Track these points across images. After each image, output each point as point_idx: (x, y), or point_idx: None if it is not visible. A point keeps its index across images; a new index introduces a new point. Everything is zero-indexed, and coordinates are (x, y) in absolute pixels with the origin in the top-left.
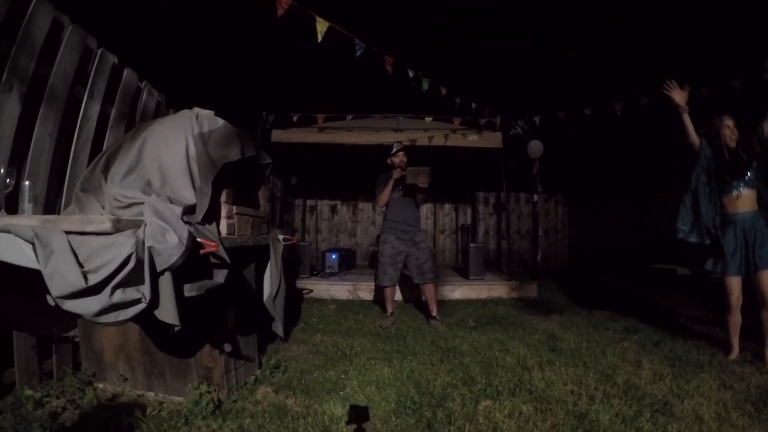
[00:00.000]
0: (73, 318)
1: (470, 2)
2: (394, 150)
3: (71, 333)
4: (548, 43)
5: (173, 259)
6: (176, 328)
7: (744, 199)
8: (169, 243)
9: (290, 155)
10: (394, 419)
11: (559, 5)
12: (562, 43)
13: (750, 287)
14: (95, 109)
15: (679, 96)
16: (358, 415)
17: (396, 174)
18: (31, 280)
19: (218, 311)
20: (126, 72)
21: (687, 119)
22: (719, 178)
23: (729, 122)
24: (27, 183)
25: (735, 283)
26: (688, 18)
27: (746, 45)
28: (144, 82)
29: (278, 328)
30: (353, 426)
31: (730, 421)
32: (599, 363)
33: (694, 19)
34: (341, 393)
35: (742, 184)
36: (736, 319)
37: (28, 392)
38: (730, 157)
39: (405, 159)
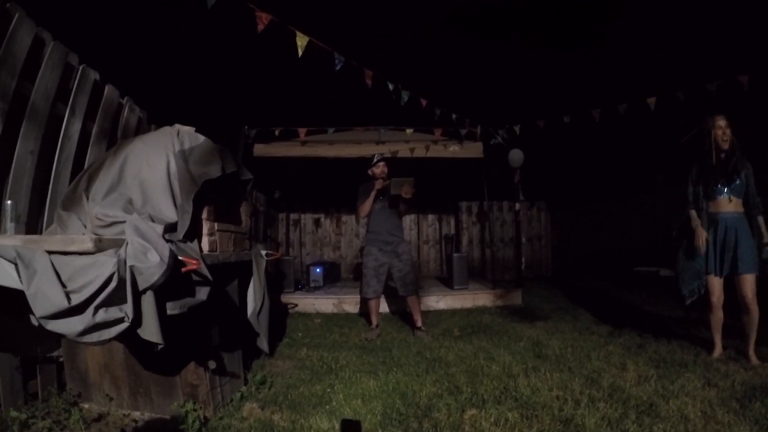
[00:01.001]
0: (57, 338)
1: (447, 8)
2: (375, 160)
3: (55, 353)
4: (527, 50)
5: (155, 278)
6: (159, 347)
7: (731, 203)
8: (150, 262)
9: (273, 169)
10: (380, 431)
11: (536, 9)
12: (540, 49)
13: (732, 286)
14: (77, 126)
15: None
16: (350, 429)
17: (378, 185)
18: (15, 300)
19: (202, 328)
20: (107, 88)
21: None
22: (707, 180)
23: (721, 122)
24: (9, 202)
25: (716, 282)
26: (669, 22)
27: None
28: (125, 98)
29: (263, 343)
30: None
31: (716, 418)
32: (584, 367)
33: (677, 23)
34: (327, 407)
35: (728, 190)
36: (718, 317)
37: (14, 414)
38: (719, 158)
39: (386, 169)
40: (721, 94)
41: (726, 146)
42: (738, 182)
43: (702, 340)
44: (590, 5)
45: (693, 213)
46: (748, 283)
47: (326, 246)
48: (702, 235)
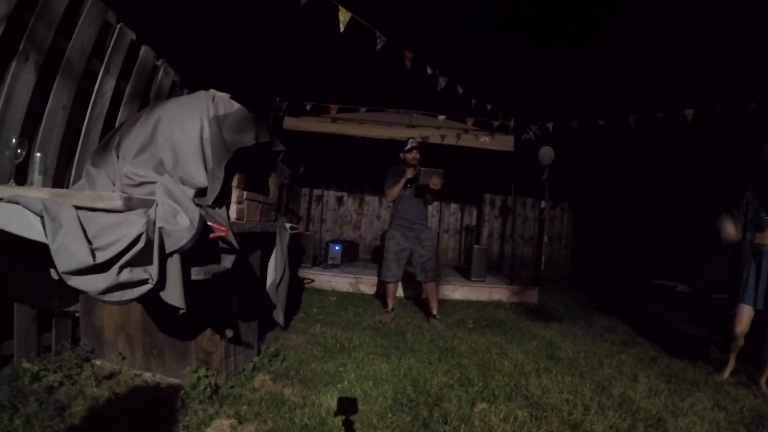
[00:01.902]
0: (75, 293)
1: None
2: (409, 146)
3: (72, 308)
4: (568, 48)
5: (183, 242)
6: (181, 311)
7: None
8: (179, 225)
9: (300, 143)
10: (390, 416)
11: (582, 8)
12: (582, 48)
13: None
14: (110, 84)
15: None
16: (348, 406)
17: (409, 173)
18: (36, 252)
19: (222, 296)
20: (143, 49)
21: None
22: (758, 209)
23: None
24: (38, 155)
25: (746, 313)
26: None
27: None
28: (160, 61)
29: (279, 316)
30: (343, 417)
31: None
32: (596, 374)
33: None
34: (338, 386)
35: None
36: (738, 344)
37: (26, 365)
38: None
39: (418, 156)
40: (761, 113)
41: None
42: None
43: (714, 361)
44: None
45: (729, 219)
46: None
47: (347, 224)
48: (728, 230)
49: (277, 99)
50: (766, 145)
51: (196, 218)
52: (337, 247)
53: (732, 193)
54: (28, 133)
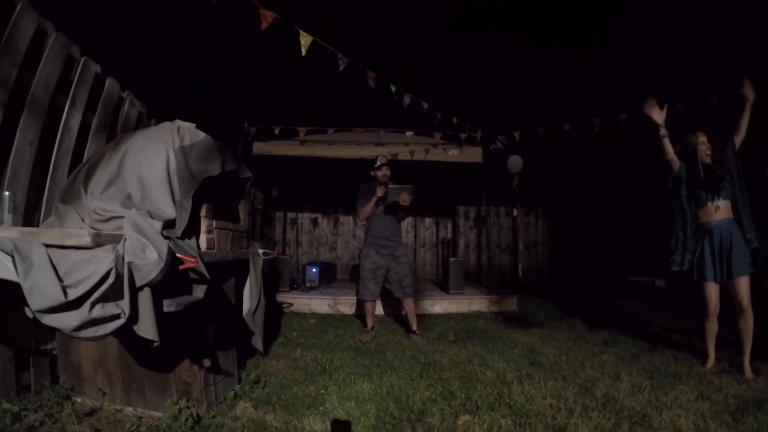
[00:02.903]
0: (51, 331)
1: (449, 10)
2: (378, 163)
3: (49, 346)
4: (528, 55)
5: (152, 275)
6: (155, 344)
7: (720, 210)
8: (148, 258)
9: (272, 167)
10: None
11: (542, 10)
12: (542, 55)
13: (726, 296)
14: (77, 118)
15: (657, 115)
16: (341, 430)
17: (379, 191)
18: (9, 292)
19: (197, 326)
20: (108, 81)
21: (666, 141)
22: (696, 192)
23: (703, 138)
24: (6, 193)
25: (712, 289)
26: (674, 29)
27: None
28: (126, 92)
29: (258, 342)
30: None
31: (709, 431)
32: (578, 376)
33: (681, 30)
34: (321, 408)
35: (716, 197)
36: (713, 327)
37: (6, 405)
38: (706, 172)
39: (388, 173)
40: (723, 108)
41: (710, 160)
42: (724, 186)
43: (696, 352)
44: (591, 8)
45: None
46: (743, 285)
47: (323, 246)
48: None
49: (246, 124)
50: (691, 135)
51: (165, 251)
52: (314, 270)
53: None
54: None
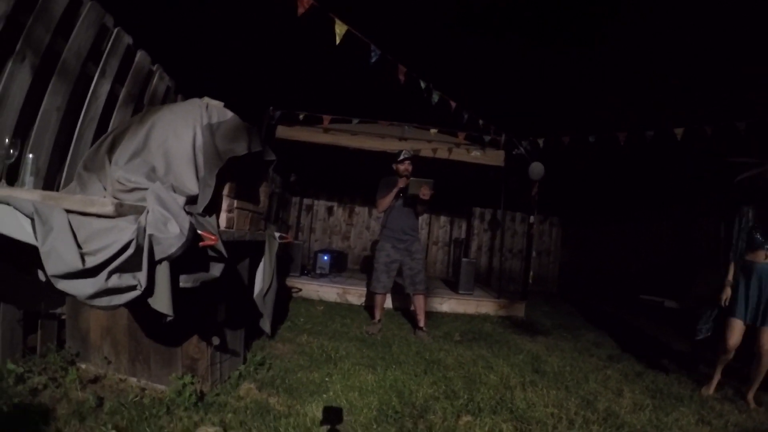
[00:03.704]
0: (62, 295)
1: (485, 9)
2: (402, 157)
3: (58, 310)
4: (558, 56)
5: (173, 249)
6: (168, 318)
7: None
8: (170, 232)
9: (292, 152)
10: (375, 426)
11: (574, 13)
12: (572, 57)
13: (748, 336)
14: (105, 88)
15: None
16: (333, 416)
17: (401, 183)
18: (24, 254)
19: (209, 303)
20: (139, 54)
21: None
22: (755, 227)
23: None
24: (30, 156)
25: (737, 326)
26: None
27: None
28: (156, 66)
29: (266, 324)
30: (328, 427)
31: None
32: (581, 388)
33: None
34: (324, 396)
35: None
36: (727, 357)
37: (11, 366)
38: None
39: (410, 168)
40: (750, 133)
41: None
42: None
43: (700, 377)
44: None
45: (732, 266)
46: None
47: (336, 234)
48: (726, 296)
49: (271, 108)
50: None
51: (186, 226)
52: (325, 257)
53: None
54: (21, 133)
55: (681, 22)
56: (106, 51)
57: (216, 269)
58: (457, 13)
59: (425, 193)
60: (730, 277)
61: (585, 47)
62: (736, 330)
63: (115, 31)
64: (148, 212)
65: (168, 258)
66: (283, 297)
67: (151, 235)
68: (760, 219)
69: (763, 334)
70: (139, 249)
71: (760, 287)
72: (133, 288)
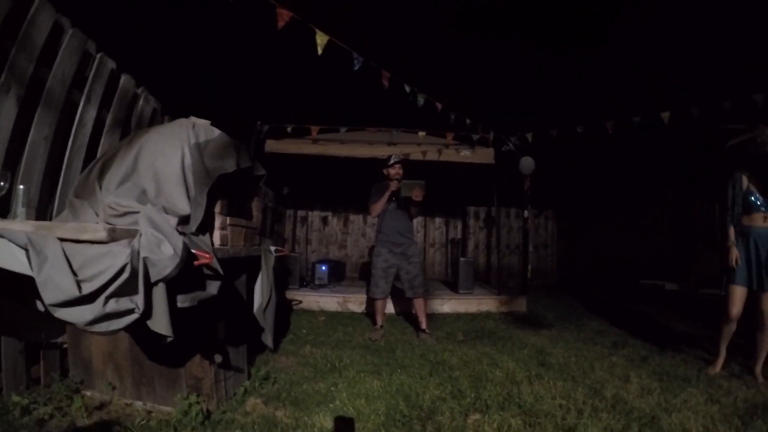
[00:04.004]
0: (62, 324)
1: (464, 10)
2: (392, 161)
3: (59, 339)
4: (545, 51)
5: (168, 270)
6: (168, 339)
7: (765, 220)
8: (164, 254)
9: (283, 165)
10: None
11: (553, 10)
12: (558, 57)
13: (750, 304)
14: (91, 114)
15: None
16: (345, 426)
17: (392, 186)
18: (21, 285)
19: (209, 321)
20: (123, 78)
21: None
22: (749, 191)
23: None
24: (21, 187)
25: (739, 293)
26: (692, 28)
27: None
28: (141, 89)
29: (268, 339)
30: None
31: None
32: (588, 377)
33: (700, 29)
34: (331, 405)
35: (766, 207)
36: (730, 329)
37: (16, 398)
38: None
39: (401, 171)
40: (736, 112)
41: None
42: None
43: (705, 356)
44: (607, 9)
45: (731, 230)
46: None
47: (332, 244)
48: (734, 255)
49: (258, 122)
50: (764, 127)
51: (180, 246)
52: (323, 268)
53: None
54: (11, 165)
55: (670, 17)
56: (90, 77)
57: (213, 287)
58: (438, 13)
59: (417, 194)
60: (732, 238)
61: (569, 43)
62: (738, 297)
63: (98, 56)
64: (141, 235)
65: (164, 279)
66: (284, 310)
67: (145, 258)
68: (755, 183)
69: (764, 299)
70: (134, 272)
71: (758, 252)
72: (131, 312)
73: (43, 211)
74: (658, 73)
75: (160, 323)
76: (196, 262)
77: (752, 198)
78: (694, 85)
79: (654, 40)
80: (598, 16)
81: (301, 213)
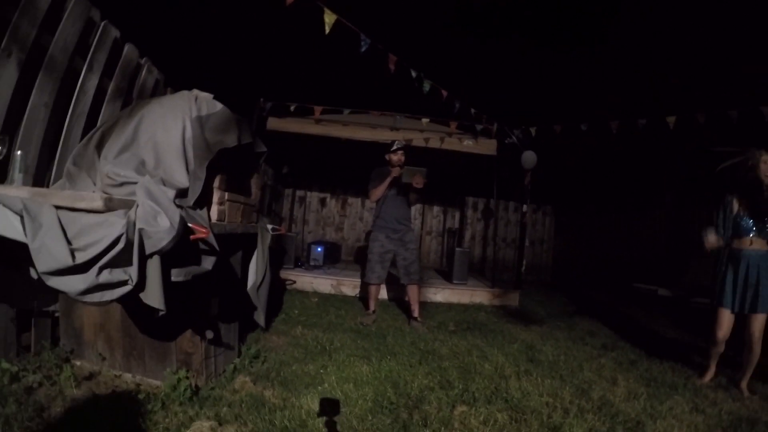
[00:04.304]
0: (55, 292)
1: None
2: (395, 147)
3: (51, 307)
4: (551, 49)
5: (163, 243)
6: (160, 313)
7: (756, 241)
8: (160, 226)
9: (284, 144)
10: (370, 418)
11: (567, 10)
12: (565, 51)
13: (738, 325)
14: (93, 82)
15: (716, 242)
16: (330, 408)
17: (394, 172)
18: (15, 251)
19: (202, 297)
20: (127, 47)
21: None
22: (739, 215)
23: (766, 157)
24: (19, 152)
25: (726, 317)
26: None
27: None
28: (144, 59)
29: (260, 317)
30: (325, 419)
31: None
32: (575, 377)
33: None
34: (319, 388)
35: (756, 230)
36: (719, 349)
37: (5, 365)
38: (756, 195)
39: (403, 158)
40: (742, 122)
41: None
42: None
43: (693, 365)
44: (607, 9)
45: (711, 229)
46: (760, 322)
47: (329, 226)
48: (710, 240)
49: (261, 99)
50: (756, 152)
51: (177, 220)
52: (319, 249)
53: (713, 195)
54: (9, 130)
55: (670, 17)
56: (93, 45)
57: (208, 262)
58: (449, 6)
59: (418, 181)
60: (708, 234)
61: (571, 43)
62: (725, 320)
63: (102, 24)
64: (137, 206)
65: (159, 252)
66: (278, 289)
67: (141, 229)
68: (745, 206)
69: (752, 321)
70: (129, 243)
71: (747, 274)
72: (124, 283)
73: (40, 177)
74: (657, 72)
75: (153, 296)
76: (192, 237)
77: (742, 222)
78: (695, 85)
79: (654, 40)
80: (598, 17)
81: (299, 193)
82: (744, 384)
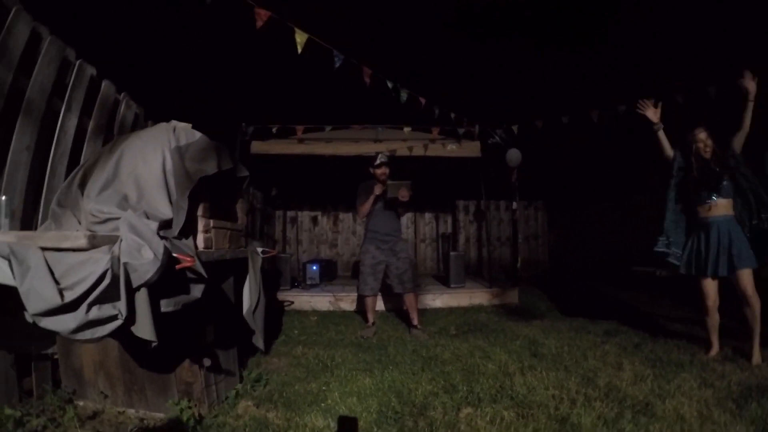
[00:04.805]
0: (52, 335)
1: (446, 7)
2: (378, 161)
3: (50, 350)
4: (526, 49)
5: (149, 275)
6: (153, 344)
7: (718, 206)
8: (144, 259)
9: (270, 166)
10: (375, 429)
11: (536, 8)
12: (539, 49)
13: (729, 288)
14: (73, 121)
15: (652, 113)
16: (347, 427)
17: (377, 189)
18: (9, 297)
19: (197, 325)
20: (104, 84)
21: (662, 135)
22: (693, 188)
23: (701, 135)
24: (3, 198)
25: (710, 285)
26: (670, 22)
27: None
28: (122, 94)
29: (259, 341)
30: None
31: (712, 419)
32: (580, 366)
33: (677, 23)
34: (322, 405)
35: (715, 195)
36: (714, 320)
37: (8, 411)
38: (701, 169)
39: (387, 171)
40: (721, 98)
41: (708, 156)
42: (724, 184)
43: (698, 341)
44: (590, 5)
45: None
46: (746, 277)
47: (323, 243)
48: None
49: (243, 124)
50: (689, 133)
51: (161, 251)
52: (314, 267)
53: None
54: None
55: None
56: (70, 84)
57: (197, 290)
58: (418, 8)
59: (404, 195)
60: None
61: (550, 33)
62: (709, 287)
63: (78, 63)
64: (121, 241)
65: (145, 284)
66: (276, 311)
67: (125, 263)
68: (697, 181)
69: (739, 279)
70: (115, 278)
71: (719, 239)
72: (114, 318)
73: (28, 221)
74: (639, 64)
75: (144, 328)
76: (178, 266)
77: (702, 192)
78: (677, 75)
79: (636, 35)
80: (574, 13)
81: (290, 213)
82: (756, 349)
